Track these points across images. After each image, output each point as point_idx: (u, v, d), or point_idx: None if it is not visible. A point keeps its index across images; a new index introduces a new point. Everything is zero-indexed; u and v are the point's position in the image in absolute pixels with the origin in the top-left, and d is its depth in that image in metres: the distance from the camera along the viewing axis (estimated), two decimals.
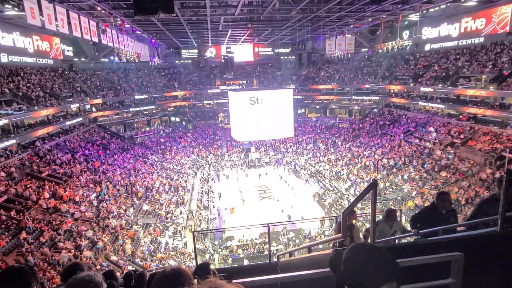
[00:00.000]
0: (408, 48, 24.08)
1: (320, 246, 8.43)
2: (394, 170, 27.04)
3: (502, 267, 2.04)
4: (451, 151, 24.82)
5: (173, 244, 20.71)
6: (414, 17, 26.74)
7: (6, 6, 16.99)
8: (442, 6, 23.26)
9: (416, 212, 4.46)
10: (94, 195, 21.73)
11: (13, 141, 22.21)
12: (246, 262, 18.49)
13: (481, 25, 27.91)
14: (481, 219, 2.98)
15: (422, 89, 32.55)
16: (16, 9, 17.41)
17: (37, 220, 16.91)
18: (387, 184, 25.68)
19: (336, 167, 31.82)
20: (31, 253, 14.29)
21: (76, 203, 19.88)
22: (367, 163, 29.49)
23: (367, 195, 2.24)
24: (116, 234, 19.03)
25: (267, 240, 21.06)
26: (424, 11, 23.73)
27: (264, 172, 34.69)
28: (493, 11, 26.23)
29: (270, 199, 27.70)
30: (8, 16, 22.69)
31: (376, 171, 27.66)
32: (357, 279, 1.24)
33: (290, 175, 34.08)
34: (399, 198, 23.74)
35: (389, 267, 1.24)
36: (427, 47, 34.94)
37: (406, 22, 31.97)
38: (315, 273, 1.70)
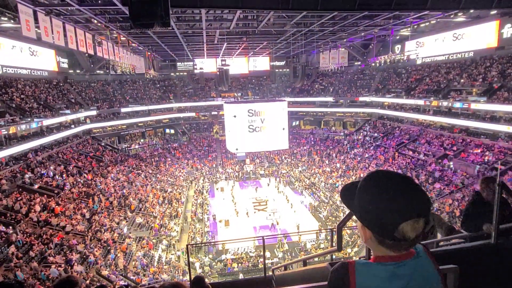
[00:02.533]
0: (400, 62, 24.59)
1: (316, 259, 8.36)
2: None
3: (497, 279, 2.04)
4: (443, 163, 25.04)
5: (166, 258, 20.35)
6: (405, 32, 27.40)
7: (2, 18, 17.10)
8: (433, 22, 23.87)
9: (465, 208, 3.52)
10: (87, 209, 21.40)
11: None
12: (241, 276, 18.24)
13: (470, 40, 28.64)
14: (475, 232, 2.99)
15: (415, 102, 33.04)
16: (12, 21, 17.54)
17: (27, 234, 16.54)
18: None
19: (331, 179, 31.85)
20: (20, 268, 13.92)
21: (68, 216, 19.53)
22: (362, 175, 29.54)
23: None
24: (108, 247, 18.67)
25: (261, 252, 20.94)
26: (415, 26, 24.34)
27: (266, 183, 34.99)
28: (482, 26, 26.98)
29: (265, 212, 27.52)
30: (4, 28, 22.72)
31: None
32: (372, 212, 1.01)
33: (285, 187, 34.00)
34: None
35: (414, 198, 0.98)
36: (419, 60, 35.65)
37: (397, 37, 32.71)
38: (310, 287, 1.68)
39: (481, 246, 2.41)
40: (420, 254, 1.08)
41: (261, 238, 5.83)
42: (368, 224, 1.04)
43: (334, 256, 8.38)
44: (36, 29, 13.83)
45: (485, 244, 2.41)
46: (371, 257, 1.12)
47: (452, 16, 21.84)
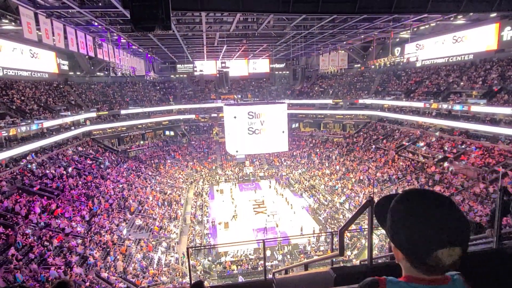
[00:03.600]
0: (400, 64, 24.68)
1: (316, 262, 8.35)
2: (389, 184, 27.14)
3: (499, 284, 2.04)
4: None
5: (165, 260, 20.30)
6: (405, 34, 27.47)
7: (3, 20, 17.15)
8: (432, 24, 23.95)
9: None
10: (86, 211, 21.36)
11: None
12: (240, 279, 18.21)
13: (469, 42, 28.68)
14: (478, 235, 2.99)
15: (414, 104, 33.05)
16: (13, 23, 17.58)
17: (27, 236, 16.52)
18: (374, 198, 25.65)
19: (331, 181, 31.84)
20: (20, 270, 13.89)
21: (67, 218, 19.50)
22: (361, 177, 29.57)
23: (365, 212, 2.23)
24: (108, 249, 18.63)
25: (261, 255, 20.90)
26: (415, 29, 24.41)
27: (266, 185, 35.08)
28: (481, 29, 27.03)
29: (264, 213, 27.47)
30: (5, 31, 22.77)
31: (370, 186, 27.74)
32: (403, 235, 0.94)
33: (285, 190, 33.97)
34: None
35: (451, 225, 0.91)
36: (419, 63, 35.71)
37: (397, 39, 32.79)
38: None
39: (483, 250, 2.41)
40: (456, 282, 1.00)
41: (261, 241, 5.83)
42: (399, 246, 0.98)
43: (334, 260, 8.37)
44: (37, 31, 13.86)
45: (486, 248, 2.42)
46: (402, 275, 1.04)
47: (451, 18, 21.88)
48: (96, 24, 17.36)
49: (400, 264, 1.03)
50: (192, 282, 4.85)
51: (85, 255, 17.12)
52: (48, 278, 14.08)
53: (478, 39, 27.64)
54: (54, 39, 15.03)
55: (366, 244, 22.01)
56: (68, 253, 16.59)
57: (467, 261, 2.23)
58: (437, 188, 23.50)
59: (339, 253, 2.33)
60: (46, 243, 16.56)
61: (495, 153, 23.41)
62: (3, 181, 19.90)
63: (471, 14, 22.44)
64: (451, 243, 0.89)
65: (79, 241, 18.09)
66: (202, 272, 19.59)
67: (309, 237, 22.90)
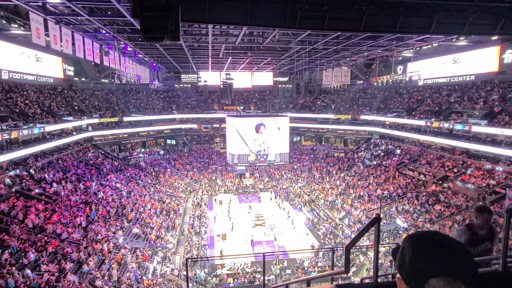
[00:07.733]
0: (402, 82, 24.90)
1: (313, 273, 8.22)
2: (389, 201, 26.97)
3: None
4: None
5: (161, 271, 19.99)
6: (408, 53, 27.78)
7: (13, 25, 17.42)
8: (435, 44, 24.24)
9: None
10: (83, 217, 21.17)
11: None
12: None
13: (471, 64, 28.98)
14: (483, 257, 2.96)
15: (416, 122, 33.16)
16: (22, 28, 17.86)
17: (22, 240, 16.33)
18: (381, 215, 25.51)
19: (331, 196, 31.65)
20: (12, 275, 13.66)
21: (64, 223, 19.31)
22: (361, 193, 29.41)
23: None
24: (103, 258, 18.37)
25: (257, 269, 20.58)
26: (418, 48, 24.70)
27: (267, 197, 34.94)
28: (483, 51, 27.35)
29: (263, 227, 27.21)
30: (13, 35, 23.09)
31: (370, 202, 27.55)
32: (407, 260, 1.01)
33: (283, 203, 33.73)
34: (395, 230, 23.52)
35: (454, 258, 0.95)
36: (420, 81, 35.98)
37: (400, 58, 33.14)
38: None
39: (489, 273, 2.38)
40: None
41: (261, 254, 5.76)
42: (402, 273, 1.03)
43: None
44: (46, 37, 14.05)
45: (492, 271, 2.38)
46: None
47: (454, 40, 22.19)
48: (103, 31, 17.62)
49: None
50: None
51: (79, 260, 16.88)
52: (40, 285, 13.85)
53: (480, 61, 27.96)
54: (62, 45, 15.23)
55: (365, 261, 21.41)
56: (62, 260, 16.35)
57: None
58: (437, 207, 23.35)
59: (345, 270, 2.29)
60: (40, 248, 16.37)
61: (496, 173, 23.35)
62: (1, 183, 19.82)
63: (473, 36, 22.73)
64: (451, 274, 0.93)
65: (75, 247, 17.87)
66: (195, 284, 19.26)
67: (310, 252, 22.61)
